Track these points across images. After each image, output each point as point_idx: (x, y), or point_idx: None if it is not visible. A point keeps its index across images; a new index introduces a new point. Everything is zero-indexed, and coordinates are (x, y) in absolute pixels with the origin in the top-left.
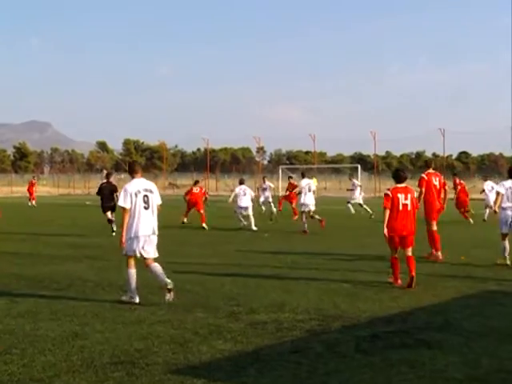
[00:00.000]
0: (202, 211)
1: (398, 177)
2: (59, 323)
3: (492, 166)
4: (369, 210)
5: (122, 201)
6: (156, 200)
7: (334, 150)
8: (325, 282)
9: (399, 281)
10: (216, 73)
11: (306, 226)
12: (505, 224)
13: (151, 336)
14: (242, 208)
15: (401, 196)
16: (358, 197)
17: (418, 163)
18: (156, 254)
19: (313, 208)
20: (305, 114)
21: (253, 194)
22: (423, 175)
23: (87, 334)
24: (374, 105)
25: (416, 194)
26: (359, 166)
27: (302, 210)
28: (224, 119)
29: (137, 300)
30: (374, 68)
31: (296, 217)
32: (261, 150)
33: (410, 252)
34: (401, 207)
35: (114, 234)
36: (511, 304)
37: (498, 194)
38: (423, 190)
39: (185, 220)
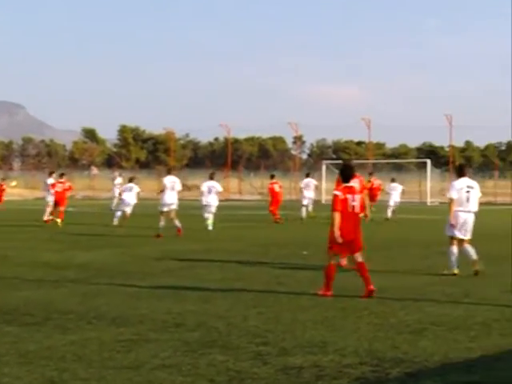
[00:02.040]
0: (62, 208)
1: (347, 175)
2: (30, 368)
3: None
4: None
5: None
6: None
7: (396, 139)
8: (381, 315)
9: (330, 291)
10: (238, 41)
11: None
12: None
13: None
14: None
15: (350, 197)
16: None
17: (510, 157)
18: None
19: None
20: (357, 94)
21: (220, 190)
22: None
23: (66, 382)
24: (450, 82)
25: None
26: (429, 161)
27: None
28: (250, 101)
29: None
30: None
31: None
32: (298, 140)
33: (360, 257)
34: (350, 209)
35: None
36: None
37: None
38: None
39: (50, 218)
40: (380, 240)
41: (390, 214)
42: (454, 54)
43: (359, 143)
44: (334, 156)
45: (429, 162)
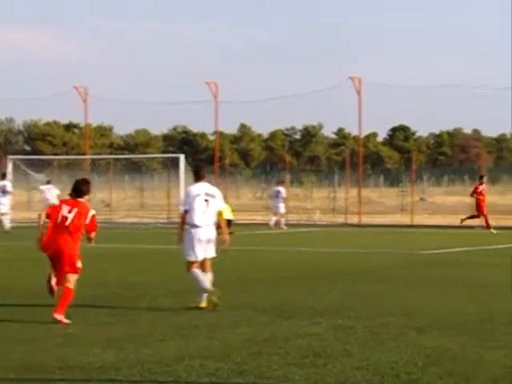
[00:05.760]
0: None
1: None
2: None
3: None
4: None
5: None
6: None
7: (131, 122)
8: None
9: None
10: None
11: None
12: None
13: None
14: None
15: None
16: None
17: (307, 151)
18: None
19: None
20: (59, 46)
21: None
22: None
23: None
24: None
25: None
26: (182, 157)
27: None
28: None
29: None
30: None
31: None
32: None
33: (68, 282)
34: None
35: None
36: None
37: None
38: None
39: None
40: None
41: None
42: None
43: (70, 127)
44: (28, 148)
45: (182, 157)
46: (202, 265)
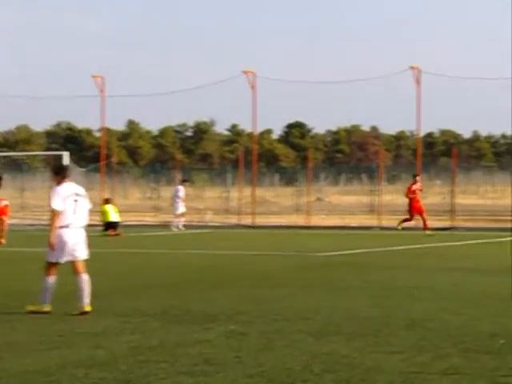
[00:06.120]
0: None
1: None
2: None
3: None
4: None
5: None
6: None
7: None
8: None
9: None
10: None
11: None
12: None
13: None
14: None
15: None
16: None
17: (200, 149)
18: None
19: None
20: None
21: None
22: None
23: None
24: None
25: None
26: (66, 155)
27: None
28: None
29: None
30: None
31: None
32: None
33: None
34: None
35: None
36: None
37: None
38: None
39: None
40: None
41: None
42: None
43: None
44: None
45: (66, 155)
46: (74, 267)
